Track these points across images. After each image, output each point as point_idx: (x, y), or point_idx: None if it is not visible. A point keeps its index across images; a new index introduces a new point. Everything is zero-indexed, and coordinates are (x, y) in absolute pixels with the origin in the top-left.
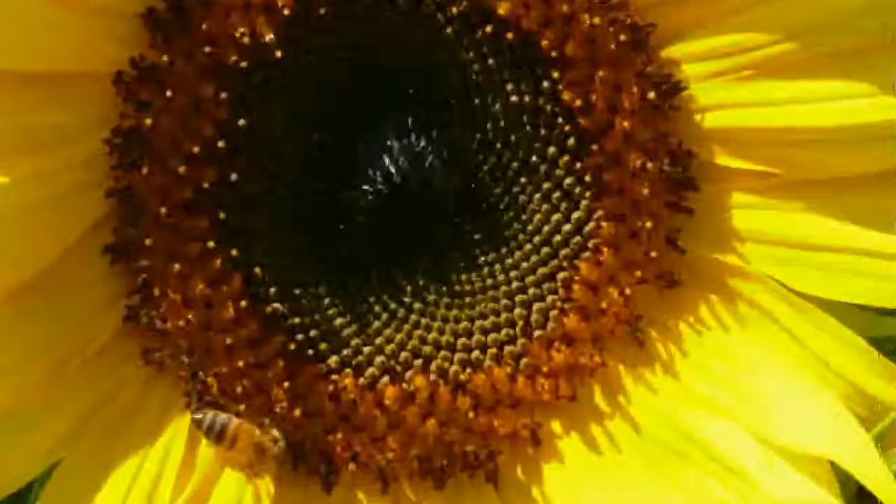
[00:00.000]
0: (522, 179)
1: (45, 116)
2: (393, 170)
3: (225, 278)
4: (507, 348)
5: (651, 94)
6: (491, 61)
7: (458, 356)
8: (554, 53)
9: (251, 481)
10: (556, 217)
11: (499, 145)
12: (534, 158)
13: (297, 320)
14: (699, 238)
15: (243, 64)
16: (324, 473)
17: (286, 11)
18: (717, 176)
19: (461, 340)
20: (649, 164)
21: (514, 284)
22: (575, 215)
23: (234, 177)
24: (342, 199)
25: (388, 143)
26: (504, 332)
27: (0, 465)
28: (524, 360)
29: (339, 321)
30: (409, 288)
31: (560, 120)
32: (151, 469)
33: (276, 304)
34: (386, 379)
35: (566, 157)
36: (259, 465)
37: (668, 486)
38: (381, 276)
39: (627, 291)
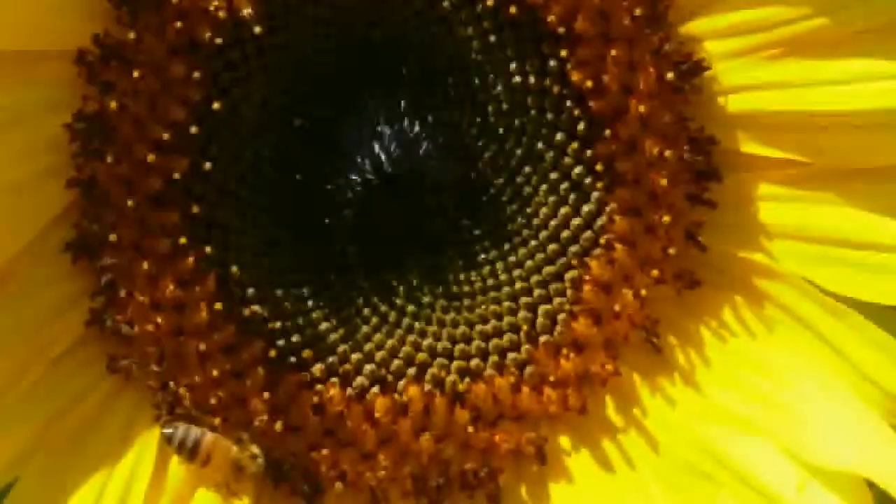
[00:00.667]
0: (527, 169)
1: None
2: (383, 158)
3: (198, 278)
4: (511, 356)
5: (669, 75)
6: (492, 38)
7: (455, 364)
8: (562, 30)
9: (227, 503)
10: (564, 210)
11: (501, 131)
12: (539, 146)
13: (277, 324)
14: (722, 233)
15: (218, 41)
16: (308, 493)
17: None
18: (742, 165)
19: (459, 347)
20: (668, 152)
21: (518, 285)
22: (585, 208)
23: (207, 166)
24: (327, 191)
25: (378, 128)
26: (507, 337)
27: None
28: (529, 369)
29: (324, 325)
30: (401, 289)
31: (569, 103)
32: (116, 490)
33: (255, 307)
34: (376, 389)
35: (575, 145)
36: (236, 485)
37: None
38: (371, 276)
39: (643, 292)
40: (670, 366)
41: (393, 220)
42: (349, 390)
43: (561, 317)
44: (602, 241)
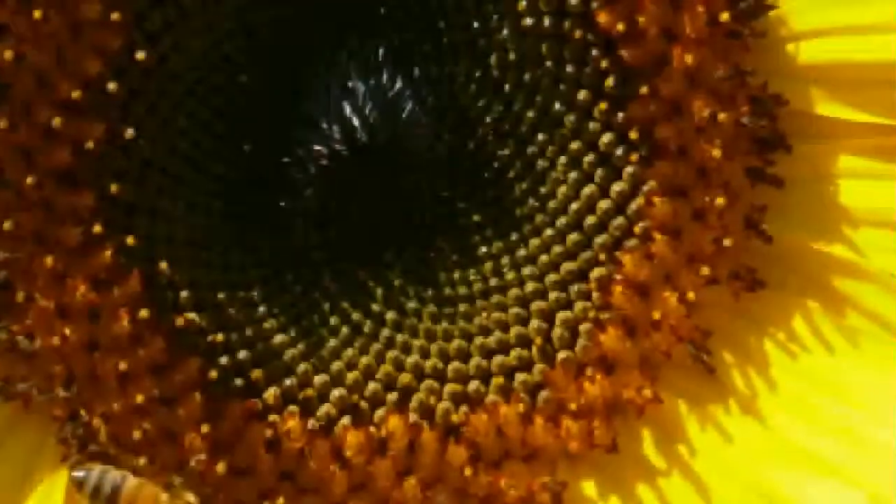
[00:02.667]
0: (541, 137)
1: None
2: (356, 123)
3: (117, 277)
4: (520, 377)
5: (724, 15)
6: None
7: (449, 388)
8: None
9: None
10: (588, 190)
11: (507, 88)
12: (557, 106)
13: (219, 337)
14: (791, 220)
15: None
16: None
17: None
18: (817, 132)
19: (454, 366)
20: (722, 115)
21: (530, 286)
22: (616, 187)
23: (129, 133)
24: (284, 166)
25: (350, 84)
26: (514, 353)
27: None
28: (544, 394)
29: (279, 338)
30: (378, 291)
31: (594, 52)
32: None
33: (190, 315)
34: (346, 420)
35: (603, 105)
36: None
37: None
38: (340, 275)
39: (690, 296)
40: (726, 390)
41: (368, 203)
42: (312, 422)
43: (584, 327)
44: (637, 229)
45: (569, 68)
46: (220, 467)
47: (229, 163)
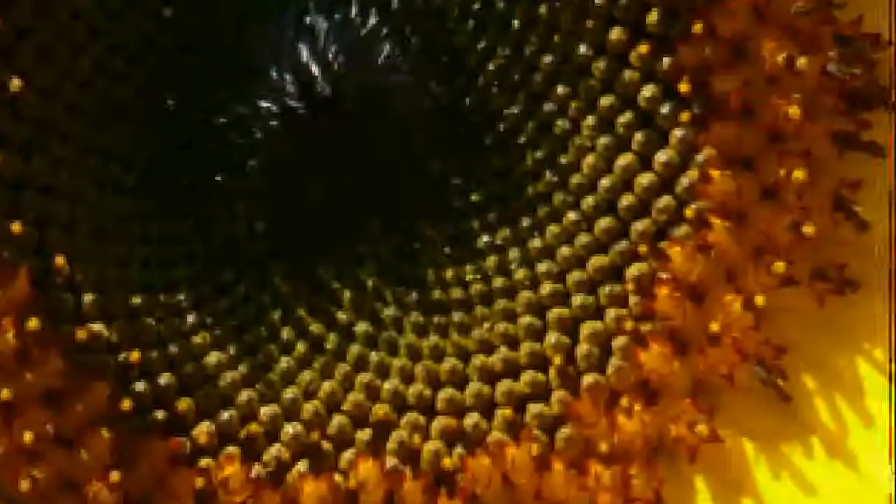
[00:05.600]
0: (560, 89)
1: None
2: (315, 70)
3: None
4: (533, 408)
5: None
6: None
7: (438, 423)
8: None
9: None
10: (624, 160)
11: (516, 24)
12: (582, 49)
13: (134, 355)
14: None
15: None
16: None
17: None
18: None
19: (445, 393)
20: (801, 60)
21: (546, 288)
22: (661, 157)
23: (15, 84)
24: (221, 129)
25: (307, 18)
26: (526, 377)
27: None
28: (564, 431)
29: (214, 357)
30: (345, 295)
31: None
32: None
33: (96, 325)
34: (303, 466)
35: (644, 48)
36: None
37: None
38: (295, 274)
39: (759, 301)
40: (805, 426)
41: (332, 177)
42: (257, 468)
43: (619, 342)
44: (689, 212)
45: None
46: None
47: (148, 125)
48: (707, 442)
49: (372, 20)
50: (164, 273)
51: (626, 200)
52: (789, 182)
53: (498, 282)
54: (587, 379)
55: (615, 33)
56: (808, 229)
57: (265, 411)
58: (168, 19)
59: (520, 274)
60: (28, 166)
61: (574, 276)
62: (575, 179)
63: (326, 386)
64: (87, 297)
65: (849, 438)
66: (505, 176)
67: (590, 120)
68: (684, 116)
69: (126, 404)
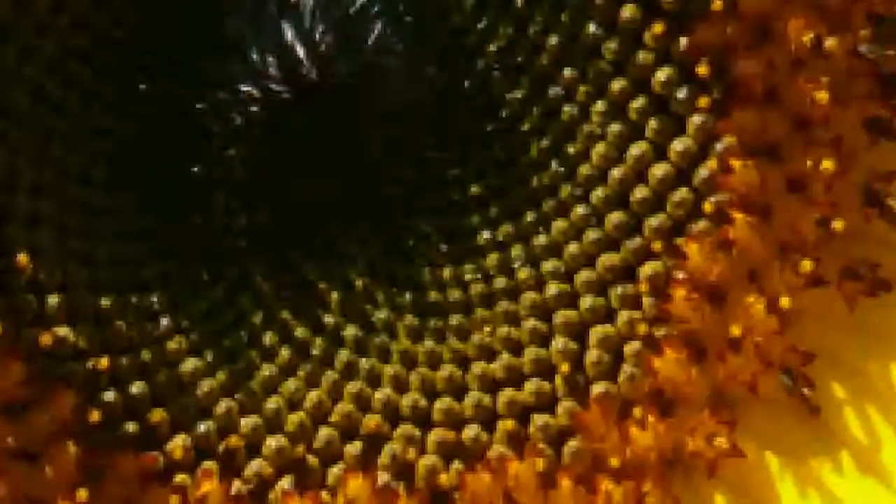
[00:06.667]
0: (568, 72)
1: None
2: (300, 52)
3: None
4: (538, 420)
5: None
6: None
7: (435, 435)
8: None
9: None
10: (637, 150)
11: (519, 1)
12: (591, 28)
13: (103, 362)
14: None
15: None
16: None
17: None
18: None
19: (442, 403)
20: (830, 41)
21: (553, 288)
22: (677, 146)
23: None
24: (197, 115)
25: None
26: (530, 386)
27: None
28: (572, 445)
29: (190, 364)
30: (333, 296)
31: None
32: None
33: (62, 330)
34: (287, 482)
35: (659, 26)
36: None
37: None
38: (278, 273)
39: (784, 303)
40: (834, 439)
41: (318, 168)
42: (237, 484)
43: (631, 347)
44: (708, 206)
45: None
46: None
47: (118, 110)
48: (727, 456)
49: None
50: (135, 272)
51: (639, 193)
52: (817, 173)
53: (499, 282)
54: (597, 388)
55: (627, 11)
56: (837, 225)
57: (246, 423)
58: None
59: (523, 273)
60: None
61: (582, 275)
62: (584, 170)
63: (313, 395)
64: (52, 299)
65: (882, 452)
66: (507, 166)
67: (600, 105)
68: (703, 102)
69: (94, 415)
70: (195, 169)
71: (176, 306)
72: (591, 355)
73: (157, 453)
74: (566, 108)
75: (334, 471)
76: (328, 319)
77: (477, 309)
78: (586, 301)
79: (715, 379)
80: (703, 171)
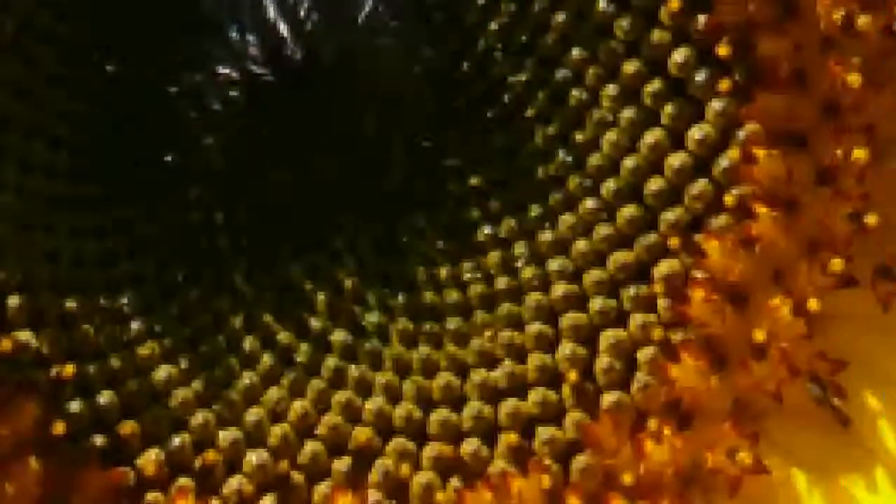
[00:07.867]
0: (576, 53)
1: None
2: (284, 30)
3: None
4: (544, 432)
5: None
6: None
7: (431, 449)
8: None
9: None
10: (651, 137)
11: None
12: (601, 5)
13: (68, 369)
14: None
15: None
16: None
17: None
18: None
19: (439, 414)
20: (862, 18)
21: (560, 289)
22: (695, 133)
23: None
24: (171, 99)
25: None
26: (535, 395)
27: None
28: (581, 460)
29: (163, 371)
30: (319, 298)
31: None
32: None
33: (23, 334)
34: (268, 501)
35: (676, 2)
36: None
37: None
38: (259, 272)
39: (813, 305)
40: (866, 454)
41: (303, 157)
42: (215, 502)
43: (645, 353)
44: (729, 199)
45: None
46: None
47: (83, 94)
48: (750, 473)
49: None
50: (103, 271)
51: (654, 185)
52: (848, 163)
53: (501, 282)
54: (608, 397)
55: None
56: (870, 219)
57: (224, 436)
58: None
59: (527, 273)
60: None
61: (592, 275)
62: (593, 160)
63: (297, 406)
64: (12, 301)
65: None
66: (510, 156)
67: (611, 89)
68: (723, 85)
69: (59, 428)
70: (169, 159)
71: (148, 308)
72: (602, 362)
73: (128, 469)
74: (574, 93)
75: (321, 488)
76: (314, 323)
77: (476, 311)
78: (596, 303)
79: (737, 388)
80: (723, 161)
